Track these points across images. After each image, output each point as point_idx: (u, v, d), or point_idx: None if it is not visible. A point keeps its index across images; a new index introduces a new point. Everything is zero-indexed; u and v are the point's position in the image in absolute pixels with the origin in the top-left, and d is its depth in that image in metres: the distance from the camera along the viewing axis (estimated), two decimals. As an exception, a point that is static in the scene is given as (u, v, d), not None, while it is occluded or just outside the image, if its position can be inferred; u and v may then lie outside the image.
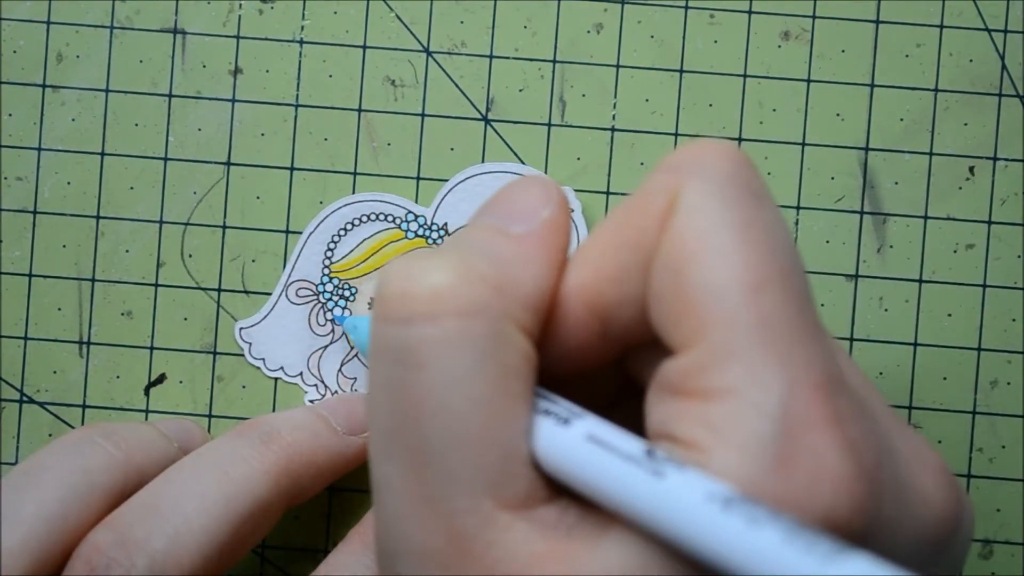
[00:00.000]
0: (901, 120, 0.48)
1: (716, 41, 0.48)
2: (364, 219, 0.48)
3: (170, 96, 0.48)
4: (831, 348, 0.31)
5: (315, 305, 0.48)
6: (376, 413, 0.32)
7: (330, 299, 0.48)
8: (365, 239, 0.48)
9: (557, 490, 0.32)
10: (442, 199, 0.48)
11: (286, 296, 0.48)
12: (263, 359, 0.48)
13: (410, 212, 0.48)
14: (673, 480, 0.29)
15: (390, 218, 0.48)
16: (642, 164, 0.48)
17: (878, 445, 0.31)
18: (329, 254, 0.48)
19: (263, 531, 0.43)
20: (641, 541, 0.30)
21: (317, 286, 0.48)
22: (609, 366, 0.35)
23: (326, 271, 0.48)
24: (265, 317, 0.48)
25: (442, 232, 0.48)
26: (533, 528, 0.31)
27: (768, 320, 0.30)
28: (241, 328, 0.48)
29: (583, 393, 0.35)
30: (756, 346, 0.30)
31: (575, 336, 0.33)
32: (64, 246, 0.48)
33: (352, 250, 0.48)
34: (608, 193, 0.48)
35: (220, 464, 0.43)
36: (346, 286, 0.48)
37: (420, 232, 0.48)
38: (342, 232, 0.48)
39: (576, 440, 0.31)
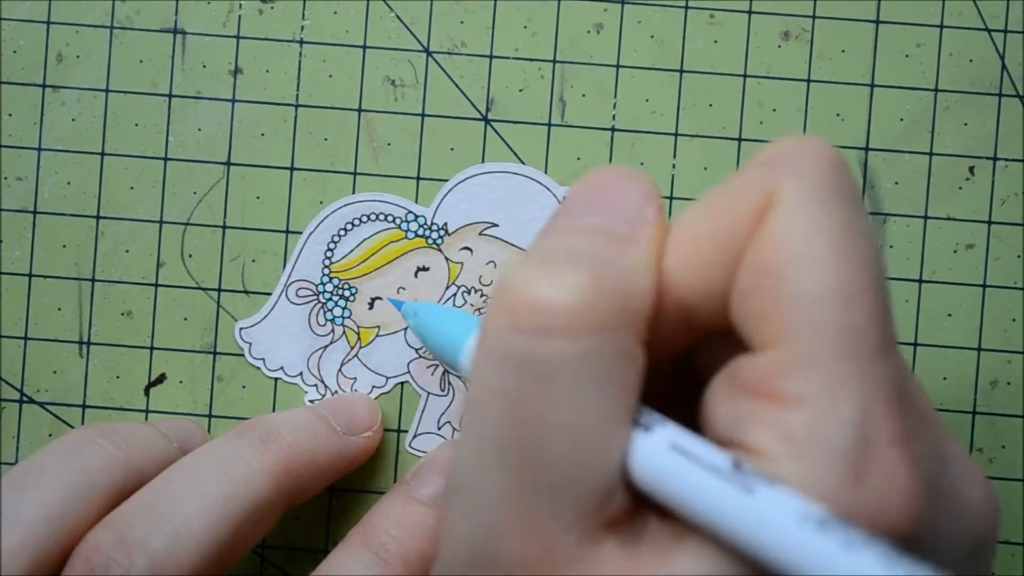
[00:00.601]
0: (901, 120, 0.48)
1: (716, 41, 0.48)
2: (364, 219, 0.48)
3: (170, 96, 0.48)
4: (903, 361, 0.31)
5: (315, 305, 0.48)
6: (483, 419, 0.31)
7: (330, 299, 0.48)
8: (365, 239, 0.48)
9: (639, 500, 0.32)
10: (442, 199, 0.48)
11: (286, 296, 0.48)
12: (263, 359, 0.48)
13: (410, 212, 0.48)
14: (763, 496, 0.29)
15: (390, 218, 0.48)
16: (642, 164, 0.48)
17: (937, 460, 0.31)
18: (329, 254, 0.48)
19: (263, 531, 0.43)
20: (718, 553, 0.30)
21: (317, 286, 0.48)
22: (678, 358, 0.35)
23: (326, 271, 0.48)
24: (265, 317, 0.48)
25: (442, 232, 0.48)
26: (620, 543, 0.31)
27: (855, 331, 0.30)
28: (241, 328, 0.48)
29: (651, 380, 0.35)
30: (840, 356, 0.30)
31: (662, 328, 0.33)
32: (64, 246, 0.48)
33: (352, 250, 0.48)
34: (608, 193, 0.48)
35: (220, 464, 0.43)
36: (346, 286, 0.48)
37: (420, 232, 0.48)
38: (342, 232, 0.48)
39: (659, 449, 0.31)
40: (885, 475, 0.29)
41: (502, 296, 0.31)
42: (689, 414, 0.35)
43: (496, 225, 0.48)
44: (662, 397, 0.35)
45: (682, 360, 0.35)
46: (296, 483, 0.44)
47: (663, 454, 0.31)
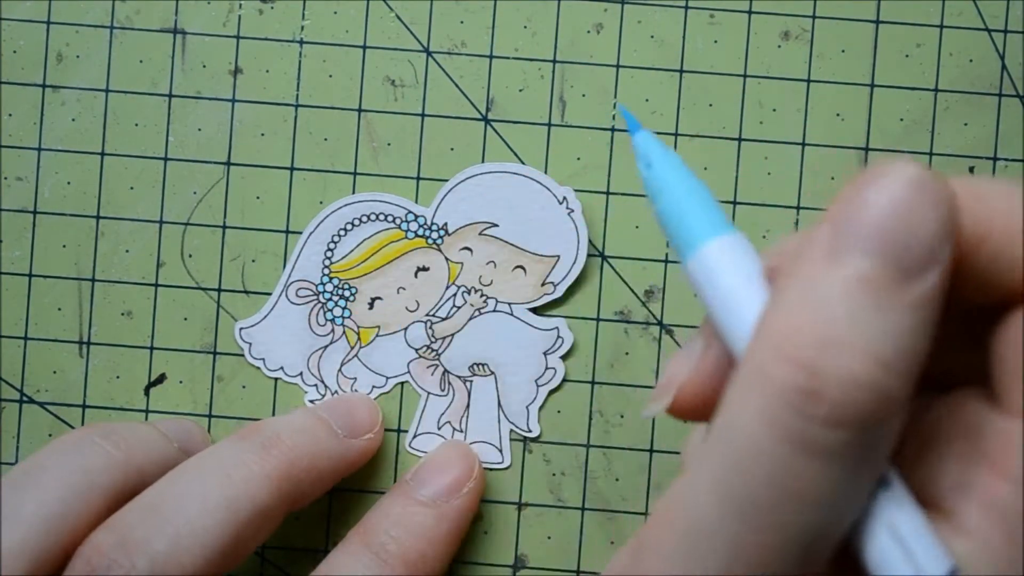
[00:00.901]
0: (901, 120, 0.48)
1: (716, 41, 0.48)
2: (364, 219, 0.48)
3: (170, 96, 0.48)
4: None
5: (315, 305, 0.48)
6: (738, 473, 0.28)
7: (330, 299, 0.48)
8: (365, 239, 0.48)
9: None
10: (442, 199, 0.48)
11: (286, 296, 0.48)
12: (263, 359, 0.48)
13: (410, 212, 0.48)
14: None
15: (390, 218, 0.48)
16: (642, 164, 0.48)
17: None
18: (329, 254, 0.48)
19: (264, 535, 0.43)
20: None
21: (317, 286, 0.48)
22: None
23: (326, 271, 0.48)
24: (265, 317, 0.48)
25: (442, 232, 0.48)
26: None
27: None
28: (241, 328, 0.48)
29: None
30: None
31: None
32: (64, 246, 0.48)
33: (352, 250, 0.48)
34: (608, 193, 0.48)
35: (222, 468, 0.43)
36: (346, 286, 0.48)
37: (420, 232, 0.48)
38: (342, 232, 0.48)
39: (883, 538, 0.29)
40: None
41: (793, 373, 0.28)
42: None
43: (496, 225, 0.48)
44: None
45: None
46: (297, 487, 0.44)
47: (885, 541, 0.28)
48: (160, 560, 0.41)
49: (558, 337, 0.48)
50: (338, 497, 0.48)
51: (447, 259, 0.48)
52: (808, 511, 0.28)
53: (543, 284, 0.48)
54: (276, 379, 0.48)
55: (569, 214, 0.48)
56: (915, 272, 0.27)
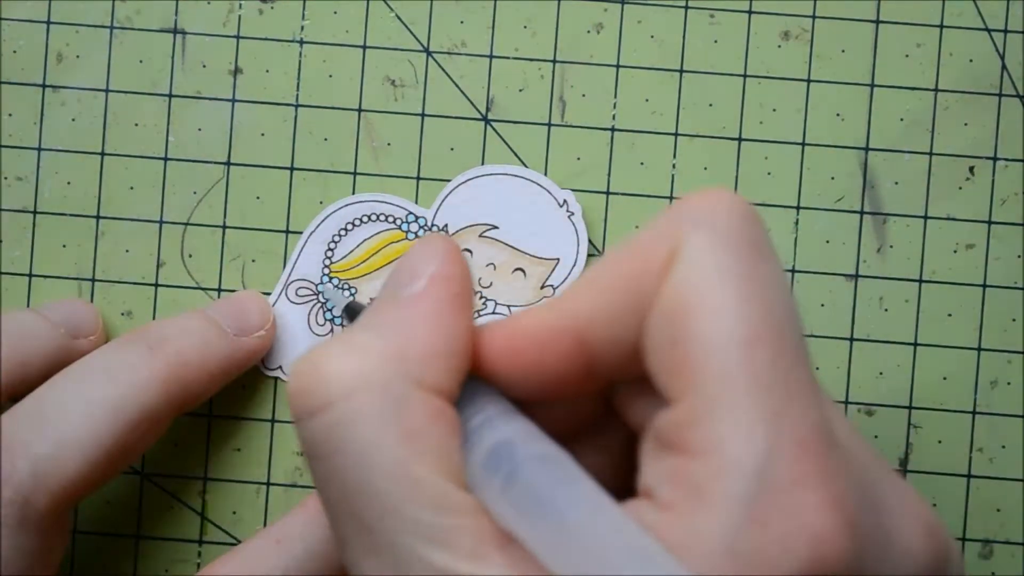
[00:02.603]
0: (901, 120, 0.48)
1: (716, 41, 0.48)
2: (365, 219, 0.48)
3: (170, 96, 0.48)
4: (822, 402, 0.31)
5: (315, 305, 0.48)
6: (324, 508, 0.33)
7: (330, 299, 0.48)
8: (365, 239, 0.48)
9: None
10: (443, 200, 0.48)
11: (286, 295, 0.48)
12: (262, 358, 0.48)
13: (411, 213, 0.48)
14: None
15: (391, 219, 0.48)
16: (642, 164, 0.48)
17: (863, 499, 0.31)
18: (329, 254, 0.48)
19: (150, 439, 0.44)
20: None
21: (317, 286, 0.48)
22: (594, 396, 0.35)
23: (326, 271, 0.48)
24: (265, 317, 0.48)
25: (443, 233, 0.48)
26: (494, 574, 0.31)
27: (758, 376, 0.30)
28: (241, 328, 0.48)
29: (568, 418, 0.35)
30: (744, 402, 0.30)
31: (558, 367, 0.33)
32: (64, 246, 0.48)
33: (352, 250, 0.48)
34: (608, 193, 0.48)
35: (108, 370, 0.43)
36: (346, 286, 0.48)
37: (421, 233, 0.48)
38: (342, 232, 0.48)
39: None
40: (790, 518, 0.29)
41: (287, 394, 0.33)
42: (620, 452, 0.35)
43: (496, 227, 0.48)
44: (598, 433, 0.36)
45: (602, 403, 0.36)
46: (186, 389, 0.44)
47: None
48: (42, 463, 0.41)
49: (558, 338, 0.48)
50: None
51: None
52: (365, 506, 0.31)
53: (543, 287, 0.48)
54: (275, 378, 0.48)
55: (569, 217, 0.48)
56: (403, 288, 0.33)
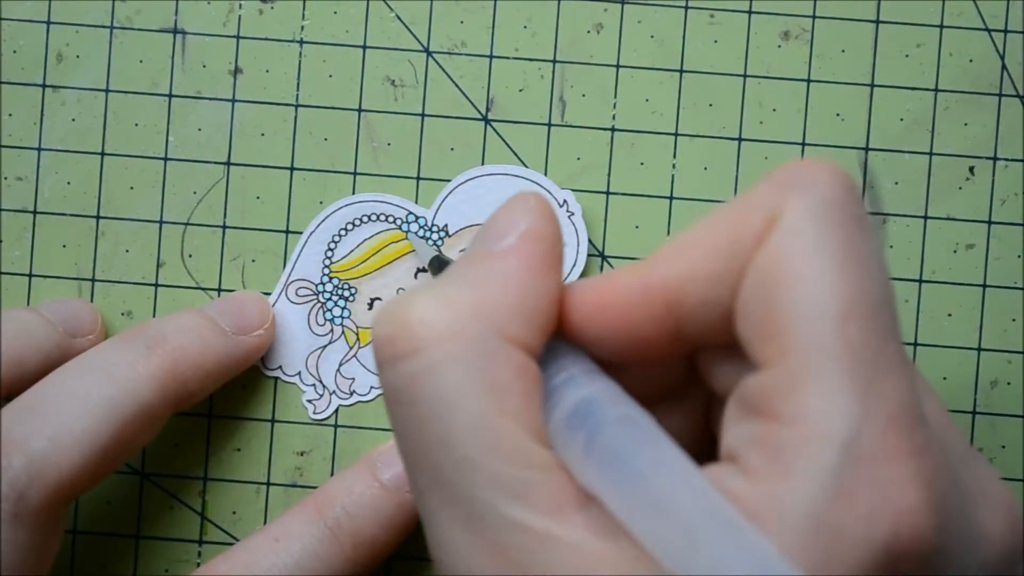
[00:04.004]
0: (901, 120, 0.48)
1: (716, 41, 0.48)
2: (365, 219, 0.48)
3: (170, 96, 0.48)
4: (912, 379, 0.31)
5: (315, 305, 0.48)
6: (402, 456, 0.33)
7: (330, 299, 0.48)
8: (365, 239, 0.48)
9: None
10: (443, 200, 0.48)
11: (286, 295, 0.48)
12: (261, 358, 0.48)
13: (411, 213, 0.48)
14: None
15: (391, 219, 0.48)
16: (642, 164, 0.48)
17: (948, 479, 0.31)
18: (329, 254, 0.48)
19: (147, 437, 0.44)
20: None
21: (317, 286, 0.48)
22: (678, 359, 0.35)
23: (326, 271, 0.48)
24: (264, 317, 0.48)
25: (443, 233, 0.48)
26: (573, 532, 0.31)
27: (852, 349, 0.30)
28: (241, 328, 0.48)
29: (650, 381, 0.35)
30: (836, 374, 0.30)
31: (646, 329, 0.33)
32: (64, 246, 0.48)
33: (352, 250, 0.48)
34: (608, 193, 0.48)
35: (104, 367, 0.43)
36: (346, 286, 0.48)
37: (420, 234, 0.48)
38: (343, 232, 0.48)
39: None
40: (876, 492, 0.29)
41: (372, 338, 0.33)
42: (700, 419, 0.35)
43: (496, 227, 0.48)
44: (680, 398, 0.36)
45: (685, 367, 0.36)
46: (183, 387, 0.44)
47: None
48: (37, 459, 0.41)
49: (557, 338, 0.48)
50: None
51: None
52: (445, 455, 0.32)
53: (543, 285, 0.48)
54: (275, 378, 0.48)
55: (569, 217, 0.48)
56: (493, 244, 0.34)
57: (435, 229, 0.48)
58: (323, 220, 0.48)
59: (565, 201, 0.48)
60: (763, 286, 0.31)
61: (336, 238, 0.48)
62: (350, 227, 0.48)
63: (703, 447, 0.35)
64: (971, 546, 0.32)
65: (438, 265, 0.44)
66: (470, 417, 0.31)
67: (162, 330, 0.45)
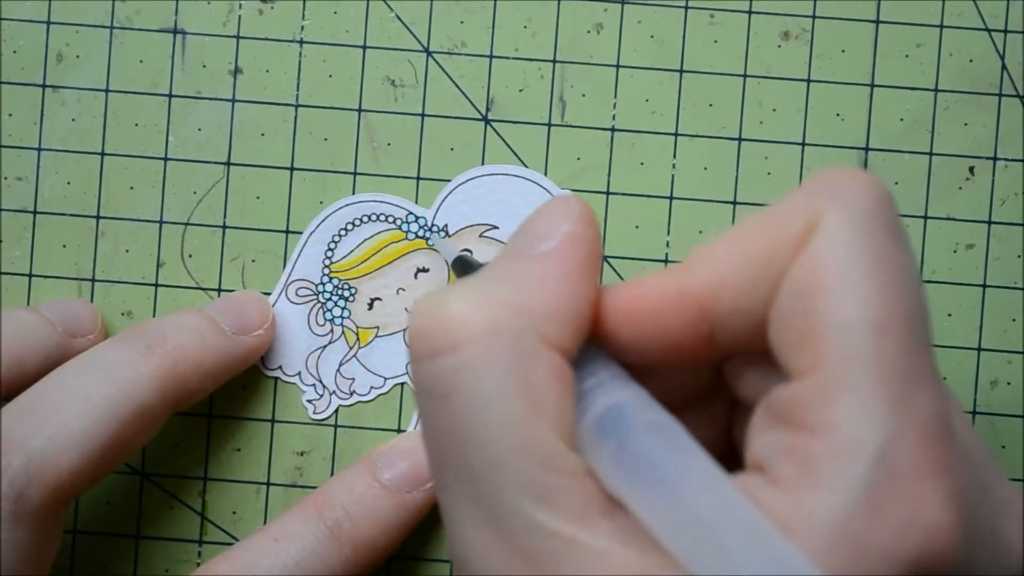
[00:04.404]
0: (901, 120, 0.48)
1: (716, 41, 0.48)
2: (365, 219, 0.48)
3: (170, 96, 0.48)
4: (944, 395, 0.31)
5: (315, 305, 0.48)
6: (428, 450, 0.33)
7: (329, 299, 0.48)
8: (365, 239, 0.48)
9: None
10: (443, 200, 0.48)
11: (286, 296, 0.48)
12: (261, 358, 0.48)
13: (411, 213, 0.48)
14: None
15: (390, 219, 0.48)
16: (642, 164, 0.48)
17: (976, 494, 0.31)
18: (329, 254, 0.48)
19: (146, 437, 0.44)
20: None
21: (317, 286, 0.48)
22: (708, 366, 0.35)
23: (326, 271, 0.48)
24: (264, 317, 0.48)
25: (443, 234, 0.48)
26: (599, 539, 0.31)
27: (886, 362, 0.30)
28: (241, 328, 0.48)
29: (676, 386, 0.35)
30: (870, 386, 0.30)
31: (679, 333, 0.33)
32: (64, 246, 0.48)
33: (352, 250, 0.48)
34: (608, 193, 0.48)
35: (104, 367, 0.43)
36: (346, 286, 0.48)
37: (420, 233, 0.48)
38: (342, 232, 0.48)
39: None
40: (907, 508, 0.29)
41: (408, 332, 0.33)
42: (723, 427, 0.36)
43: (496, 227, 0.48)
44: (704, 405, 0.36)
45: (713, 373, 0.36)
46: (183, 387, 0.44)
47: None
48: (36, 458, 0.41)
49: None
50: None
51: (447, 261, 0.48)
52: (476, 452, 0.31)
53: (543, 285, 0.48)
54: (275, 379, 0.48)
55: (569, 215, 0.48)
56: (534, 245, 0.33)
57: (435, 229, 0.48)
58: (323, 220, 0.48)
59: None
60: (800, 296, 0.31)
61: (336, 238, 0.48)
62: (350, 227, 0.48)
63: (724, 455, 0.34)
64: (996, 559, 0.32)
65: (462, 266, 0.44)
66: (504, 417, 0.31)
67: (162, 330, 0.45)
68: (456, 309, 0.31)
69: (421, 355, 0.32)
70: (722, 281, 0.32)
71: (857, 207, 0.31)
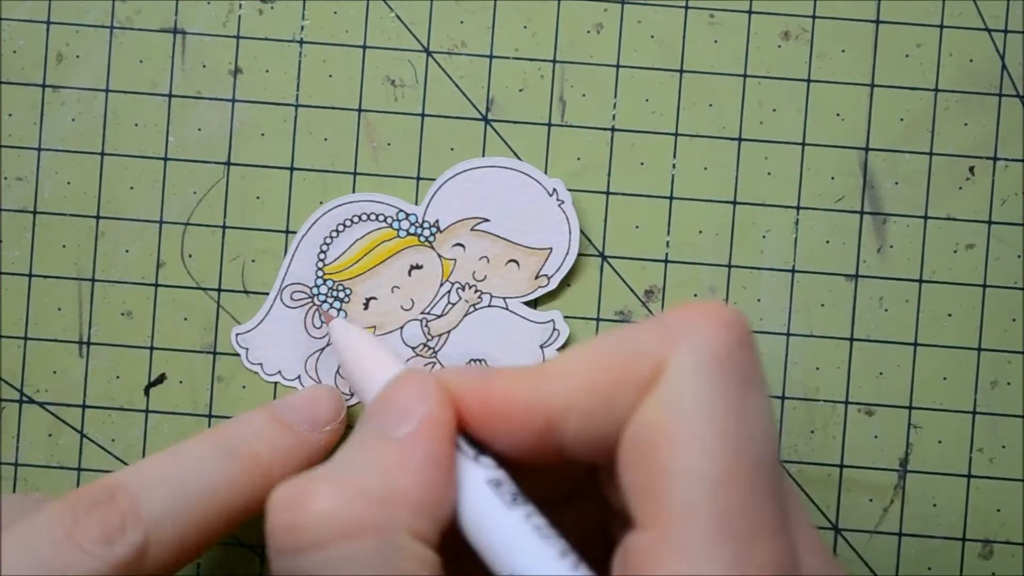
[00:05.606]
0: (901, 120, 0.48)
1: (716, 41, 0.48)
2: (355, 220, 0.48)
3: (170, 96, 0.48)
4: (789, 540, 0.31)
5: (310, 308, 0.48)
6: None
7: (325, 301, 0.48)
8: (357, 240, 0.48)
9: None
10: (432, 196, 0.48)
11: (281, 300, 0.48)
12: (260, 364, 0.48)
13: (401, 211, 0.48)
14: None
15: (381, 217, 0.48)
16: (642, 164, 0.48)
17: None
18: (322, 256, 0.48)
19: (229, 533, 0.43)
20: None
21: (311, 289, 0.48)
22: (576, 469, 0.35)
23: (320, 273, 0.48)
24: (261, 322, 0.48)
25: (434, 229, 0.48)
26: None
27: (727, 517, 0.30)
28: (237, 333, 0.48)
29: (551, 483, 0.35)
30: (709, 542, 0.30)
31: (527, 441, 0.33)
32: (64, 246, 0.48)
33: (345, 251, 0.48)
34: (608, 193, 0.48)
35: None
36: (340, 287, 0.48)
37: (412, 230, 0.48)
38: (334, 234, 0.48)
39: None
40: None
41: (268, 521, 0.32)
42: (593, 521, 0.36)
43: (487, 220, 0.48)
44: (575, 498, 0.36)
45: (589, 473, 0.36)
46: (256, 492, 0.43)
47: None
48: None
49: (554, 330, 0.48)
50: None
51: (440, 256, 0.48)
52: None
53: (537, 277, 0.48)
54: (274, 383, 0.48)
55: (559, 205, 0.48)
56: (398, 424, 0.34)
57: (426, 225, 0.48)
58: (314, 222, 0.48)
59: (555, 190, 0.47)
60: (643, 443, 0.31)
61: (328, 240, 0.48)
62: (341, 228, 0.48)
63: (599, 554, 0.34)
64: None
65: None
66: None
67: (235, 442, 0.43)
68: (320, 506, 0.31)
69: (284, 549, 0.32)
70: (570, 404, 0.32)
71: (706, 350, 0.31)
